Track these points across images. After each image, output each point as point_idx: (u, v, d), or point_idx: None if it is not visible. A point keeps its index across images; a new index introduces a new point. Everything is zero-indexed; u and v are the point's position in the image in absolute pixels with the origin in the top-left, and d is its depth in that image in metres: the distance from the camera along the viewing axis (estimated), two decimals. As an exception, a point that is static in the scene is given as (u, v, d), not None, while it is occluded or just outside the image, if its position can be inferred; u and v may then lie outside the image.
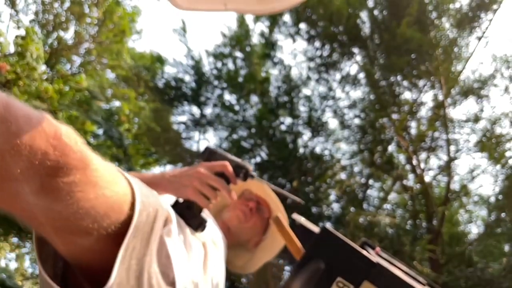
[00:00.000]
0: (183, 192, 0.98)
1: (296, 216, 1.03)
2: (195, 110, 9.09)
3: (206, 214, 1.10)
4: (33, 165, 0.59)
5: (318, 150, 8.19)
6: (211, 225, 1.13)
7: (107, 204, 0.69)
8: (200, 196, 0.96)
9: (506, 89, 7.19)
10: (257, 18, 7.99)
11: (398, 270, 0.83)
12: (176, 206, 0.98)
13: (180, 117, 9.29)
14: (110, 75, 9.35)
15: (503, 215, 6.89)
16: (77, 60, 8.78)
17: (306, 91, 8.31)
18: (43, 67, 7.04)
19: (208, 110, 8.99)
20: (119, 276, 0.71)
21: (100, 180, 0.67)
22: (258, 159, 8.20)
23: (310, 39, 7.95)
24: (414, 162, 7.42)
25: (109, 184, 0.69)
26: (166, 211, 0.90)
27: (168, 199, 1.01)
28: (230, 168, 0.98)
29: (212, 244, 1.07)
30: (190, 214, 0.98)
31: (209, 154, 1.03)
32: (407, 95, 7.67)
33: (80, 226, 0.66)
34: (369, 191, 8.24)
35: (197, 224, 0.98)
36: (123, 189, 0.72)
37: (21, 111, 0.59)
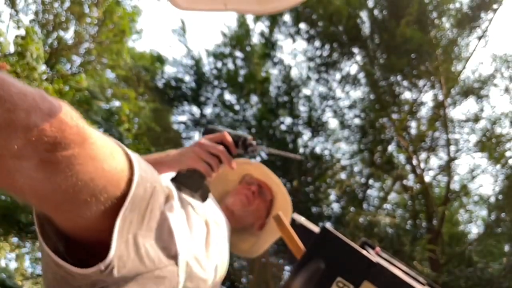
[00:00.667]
0: (185, 162, 0.99)
1: (296, 216, 1.03)
2: (195, 110, 9.10)
3: (209, 197, 1.11)
4: (30, 141, 0.59)
5: (318, 150, 8.19)
6: (214, 207, 1.14)
7: (106, 178, 0.69)
8: (201, 162, 0.97)
9: (506, 89, 7.19)
10: (257, 18, 7.99)
11: (398, 270, 0.83)
12: (178, 176, 0.99)
13: (180, 117, 9.29)
14: (110, 75, 9.37)
15: (503, 215, 6.89)
16: (77, 60, 8.78)
17: (306, 91, 8.31)
18: (43, 67, 7.04)
19: (208, 110, 9.00)
20: (119, 249, 0.71)
21: (99, 153, 0.67)
22: (258, 159, 8.20)
23: (310, 39, 7.95)
24: (414, 162, 7.42)
25: (107, 157, 0.69)
26: (167, 188, 0.91)
27: (170, 177, 1.01)
28: (228, 138, 1.00)
29: (215, 224, 1.07)
30: (192, 182, 0.99)
31: (208, 131, 1.06)
32: (407, 95, 7.68)
33: (78, 199, 0.66)
34: (369, 191, 8.25)
35: (199, 190, 0.99)
36: (121, 164, 0.72)
37: (15, 87, 0.58)
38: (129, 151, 0.76)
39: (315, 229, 0.92)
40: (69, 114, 0.63)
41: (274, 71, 8.50)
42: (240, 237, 1.32)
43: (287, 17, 7.95)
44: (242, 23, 8.28)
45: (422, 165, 7.46)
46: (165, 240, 0.83)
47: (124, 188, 0.72)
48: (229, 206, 1.27)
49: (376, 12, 7.51)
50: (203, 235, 0.98)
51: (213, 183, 1.35)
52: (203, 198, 1.00)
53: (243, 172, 1.34)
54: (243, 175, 1.35)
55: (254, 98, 8.55)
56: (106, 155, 0.69)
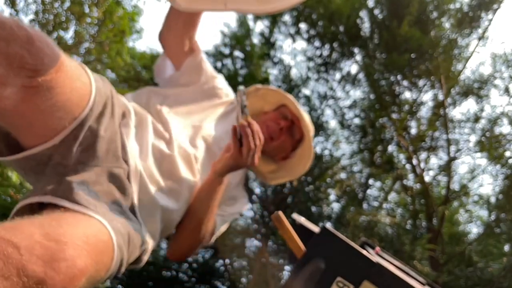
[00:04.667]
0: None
1: (296, 216, 1.03)
2: (195, 110, 9.08)
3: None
4: (13, 69, 0.64)
5: (318, 150, 8.19)
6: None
7: (79, 94, 0.76)
8: None
9: (506, 89, 7.19)
10: (257, 18, 7.98)
11: (398, 269, 0.83)
12: None
13: (180, 117, 9.28)
14: (110, 75, 9.36)
15: (503, 215, 6.88)
16: (77, 60, 8.78)
17: (306, 91, 8.31)
18: (43, 67, 7.01)
19: (208, 110, 8.98)
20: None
21: (73, 74, 0.74)
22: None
23: (310, 39, 7.95)
24: (414, 162, 7.42)
25: (78, 76, 0.76)
26: (124, 104, 0.98)
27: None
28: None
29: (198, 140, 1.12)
30: None
31: None
32: (407, 95, 7.68)
33: (53, 117, 0.73)
34: (369, 191, 8.24)
35: None
36: (87, 78, 0.80)
37: None
38: (81, 63, 0.84)
39: (315, 229, 0.92)
40: (45, 42, 0.68)
41: (274, 71, 8.50)
42: (263, 160, 1.33)
43: (287, 17, 7.94)
44: (242, 23, 8.28)
45: (422, 165, 7.46)
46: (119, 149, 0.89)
47: (89, 92, 0.79)
48: None
49: (376, 11, 7.51)
50: (160, 155, 1.01)
51: (252, 99, 1.33)
52: None
53: (282, 101, 1.34)
54: (281, 104, 1.34)
55: (254, 98, 8.54)
56: (77, 74, 0.76)
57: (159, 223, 0.95)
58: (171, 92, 1.24)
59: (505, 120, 7.04)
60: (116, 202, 0.80)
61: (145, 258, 0.92)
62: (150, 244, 0.92)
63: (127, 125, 0.94)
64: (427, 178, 7.46)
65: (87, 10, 8.06)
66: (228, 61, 8.62)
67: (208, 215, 1.07)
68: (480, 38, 7.02)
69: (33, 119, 0.72)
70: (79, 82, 0.76)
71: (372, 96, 7.69)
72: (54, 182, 0.76)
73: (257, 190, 7.64)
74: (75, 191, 0.73)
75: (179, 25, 1.18)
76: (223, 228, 1.21)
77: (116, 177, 0.83)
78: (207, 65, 1.31)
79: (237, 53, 8.52)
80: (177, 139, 1.06)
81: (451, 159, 7.19)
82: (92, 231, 0.66)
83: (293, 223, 0.98)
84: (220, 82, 1.32)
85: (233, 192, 1.22)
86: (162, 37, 1.24)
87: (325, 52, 7.94)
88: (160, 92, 1.24)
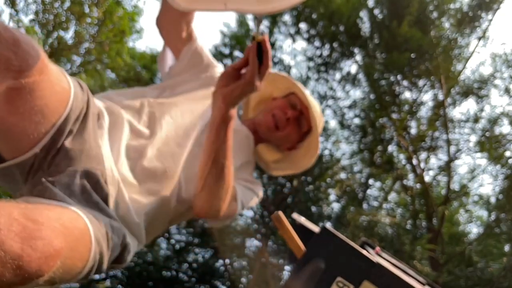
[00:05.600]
0: None
1: (296, 216, 1.03)
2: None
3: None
4: (0, 70, 0.65)
5: (318, 150, 8.19)
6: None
7: (58, 99, 0.77)
8: None
9: (506, 89, 7.19)
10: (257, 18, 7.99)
11: (398, 269, 0.83)
12: None
13: (180, 117, 9.28)
14: (110, 75, 9.37)
15: (503, 215, 6.89)
16: (77, 60, 8.78)
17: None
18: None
19: (208, 110, 8.99)
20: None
21: (54, 77, 0.75)
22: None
23: (310, 39, 7.95)
24: (414, 162, 7.42)
25: (59, 81, 0.77)
26: (98, 107, 0.96)
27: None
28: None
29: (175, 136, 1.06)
30: None
31: None
32: (407, 95, 7.68)
33: (31, 121, 0.73)
34: (369, 191, 8.25)
35: None
36: (67, 84, 0.80)
37: None
38: (61, 68, 0.84)
39: (315, 229, 0.92)
40: (31, 44, 0.69)
41: (274, 71, 8.51)
42: (268, 148, 1.30)
43: (287, 17, 7.95)
44: (242, 23, 8.28)
45: (422, 165, 7.46)
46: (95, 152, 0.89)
47: (68, 98, 0.80)
48: (256, 124, 1.24)
49: (376, 11, 7.51)
50: (135, 155, 0.98)
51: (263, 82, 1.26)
52: None
53: (291, 88, 1.29)
54: (290, 92, 1.29)
55: (254, 98, 8.54)
56: (58, 79, 0.77)
57: (142, 223, 0.94)
58: (168, 84, 1.20)
59: (505, 120, 7.05)
60: (92, 199, 0.80)
61: (129, 257, 0.90)
62: (132, 242, 0.90)
63: (101, 126, 0.94)
64: (427, 178, 7.47)
65: (87, 10, 8.06)
66: (228, 61, 8.62)
67: (227, 157, 0.97)
68: (480, 38, 7.02)
69: (11, 122, 0.72)
70: (59, 87, 0.77)
71: (372, 96, 7.70)
72: (30, 185, 0.78)
73: (257, 190, 7.64)
74: (50, 189, 0.73)
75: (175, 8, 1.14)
76: (246, 202, 1.12)
77: (90, 177, 0.83)
78: (206, 53, 1.26)
79: (237, 53, 8.52)
80: (160, 136, 1.02)
81: (451, 159, 7.19)
82: (67, 217, 0.67)
83: (293, 223, 0.97)
84: (220, 71, 1.25)
85: (242, 175, 1.16)
86: (159, 22, 1.19)
87: (325, 52, 7.94)
88: (157, 86, 1.20)
